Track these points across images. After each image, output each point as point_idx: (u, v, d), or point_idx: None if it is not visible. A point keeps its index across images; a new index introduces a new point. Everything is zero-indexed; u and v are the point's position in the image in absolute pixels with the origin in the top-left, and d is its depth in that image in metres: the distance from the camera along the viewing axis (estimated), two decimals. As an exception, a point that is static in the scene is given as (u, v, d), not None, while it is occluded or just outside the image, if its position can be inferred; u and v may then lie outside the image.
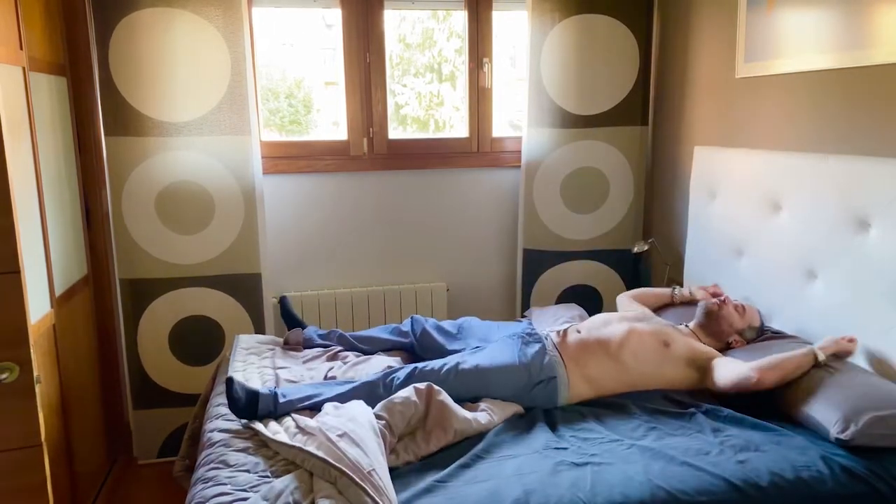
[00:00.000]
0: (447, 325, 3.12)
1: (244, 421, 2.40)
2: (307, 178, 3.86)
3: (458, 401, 2.47)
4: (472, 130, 4.06)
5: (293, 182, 3.84)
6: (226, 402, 2.49)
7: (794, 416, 2.39)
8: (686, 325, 2.93)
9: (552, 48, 3.81)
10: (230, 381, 2.40)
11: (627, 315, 2.95)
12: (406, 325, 3.11)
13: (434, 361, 2.64)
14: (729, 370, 2.58)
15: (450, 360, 2.63)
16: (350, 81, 3.84)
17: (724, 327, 2.85)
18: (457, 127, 4.22)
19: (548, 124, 3.89)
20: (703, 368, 2.69)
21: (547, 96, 3.86)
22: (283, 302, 3.32)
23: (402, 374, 2.56)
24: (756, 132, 3.23)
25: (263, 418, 2.39)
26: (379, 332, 3.14)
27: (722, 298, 2.91)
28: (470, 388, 2.55)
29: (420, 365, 2.62)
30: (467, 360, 2.64)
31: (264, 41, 3.80)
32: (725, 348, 2.84)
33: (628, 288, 4.11)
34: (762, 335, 2.92)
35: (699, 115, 3.64)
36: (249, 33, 3.46)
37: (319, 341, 3.13)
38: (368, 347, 3.05)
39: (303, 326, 3.23)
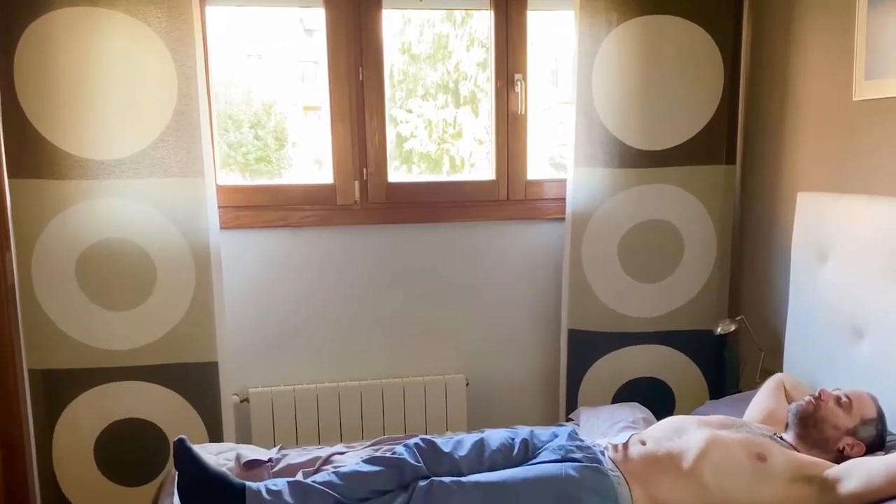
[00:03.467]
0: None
1: None
2: (280, 236, 3.77)
3: None
4: (501, 171, 3.96)
5: (261, 240, 3.77)
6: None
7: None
8: (779, 437, 2.78)
9: (608, 60, 3.70)
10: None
11: (710, 420, 2.81)
12: (400, 453, 2.66)
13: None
14: (869, 467, 2.47)
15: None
16: (337, 106, 3.75)
17: (829, 432, 2.68)
18: (480, 166, 4.17)
19: (601, 163, 3.77)
20: (817, 481, 2.51)
21: (600, 125, 3.74)
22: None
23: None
24: (880, 173, 3.11)
25: None
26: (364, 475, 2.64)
27: (817, 394, 2.76)
28: None
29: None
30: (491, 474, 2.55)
31: (223, 52, 3.79)
32: (838, 459, 2.63)
33: (708, 382, 4.05)
34: (884, 436, 2.72)
35: (804, 150, 3.57)
36: (202, 41, 3.39)
37: None
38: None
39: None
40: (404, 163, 4.11)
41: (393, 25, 3.93)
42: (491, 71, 3.90)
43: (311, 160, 4.10)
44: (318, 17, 3.74)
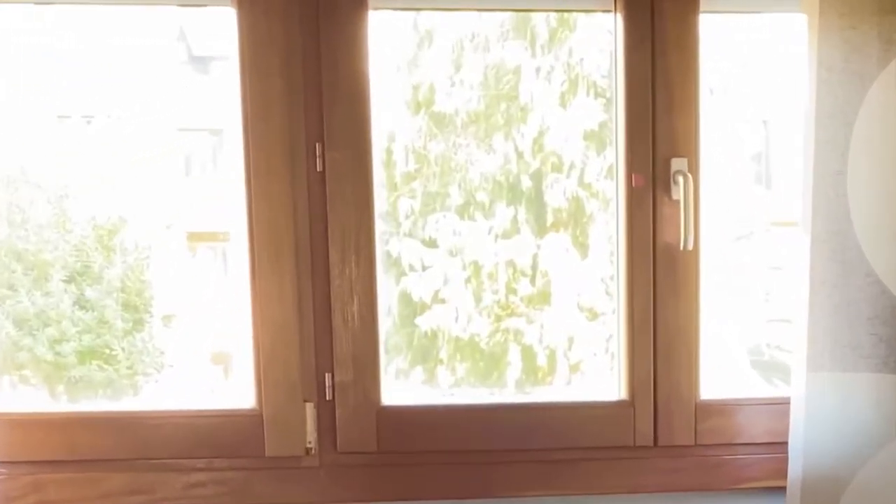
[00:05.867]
0: None
1: None
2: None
3: None
4: (640, 383, 2.70)
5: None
6: None
7: None
8: None
9: (884, 125, 2.57)
10: None
11: None
12: None
13: None
14: None
15: None
16: (267, 231, 2.63)
17: None
18: (591, 370, 3.10)
19: (868, 364, 2.63)
20: None
21: (868, 275, 2.59)
22: None
23: None
24: None
25: None
26: None
27: None
28: None
29: None
30: None
31: (8, 107, 2.79)
32: None
33: None
34: None
35: None
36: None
37: None
38: None
39: None
40: (419, 361, 3.17)
41: (394, 47, 2.86)
42: (617, 152, 2.59)
43: (206, 354, 3.08)
44: (220, 31, 2.52)
